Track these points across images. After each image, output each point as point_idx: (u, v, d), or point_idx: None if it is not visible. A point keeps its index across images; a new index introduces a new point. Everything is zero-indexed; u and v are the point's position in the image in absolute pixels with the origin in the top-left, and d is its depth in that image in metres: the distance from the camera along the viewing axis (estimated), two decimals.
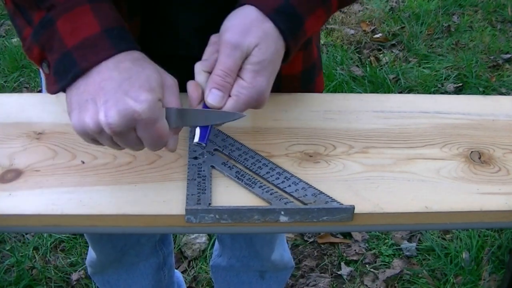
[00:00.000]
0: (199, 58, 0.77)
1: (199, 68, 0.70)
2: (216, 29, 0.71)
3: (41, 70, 0.69)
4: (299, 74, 0.92)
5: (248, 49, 0.67)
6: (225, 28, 0.68)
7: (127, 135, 0.64)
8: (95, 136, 0.64)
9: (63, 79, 0.64)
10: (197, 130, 0.68)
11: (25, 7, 0.67)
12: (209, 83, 0.68)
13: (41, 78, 1.01)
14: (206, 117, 0.67)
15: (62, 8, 0.64)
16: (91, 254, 1.23)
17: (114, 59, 0.63)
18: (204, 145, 0.68)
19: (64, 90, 0.66)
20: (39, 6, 0.65)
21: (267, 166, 0.77)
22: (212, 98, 0.67)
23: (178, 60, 0.85)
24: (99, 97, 0.62)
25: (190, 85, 0.69)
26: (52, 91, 0.66)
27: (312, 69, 0.95)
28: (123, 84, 0.62)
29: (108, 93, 0.62)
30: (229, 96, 0.68)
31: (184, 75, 0.72)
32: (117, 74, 0.62)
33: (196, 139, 0.68)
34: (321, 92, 0.99)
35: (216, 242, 1.39)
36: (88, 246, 1.74)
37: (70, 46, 0.63)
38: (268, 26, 0.68)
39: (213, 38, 0.71)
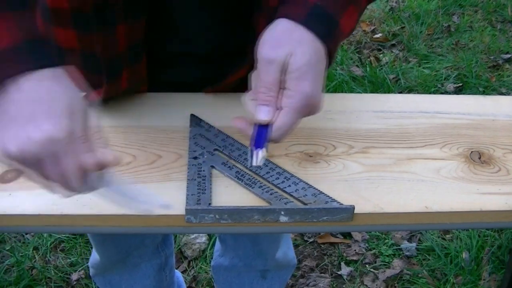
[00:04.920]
0: (205, 56, 0.77)
1: (247, 99, 0.70)
2: (222, 28, 0.71)
3: None
4: None
5: (283, 60, 0.67)
6: (259, 45, 0.68)
7: (33, 168, 0.59)
8: (16, 162, 0.59)
9: None
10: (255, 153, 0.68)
11: None
12: (257, 103, 0.68)
13: None
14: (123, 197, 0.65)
15: None
16: (95, 256, 1.23)
17: (23, 77, 0.58)
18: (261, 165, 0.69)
19: None
20: None
21: (267, 166, 0.77)
22: (261, 114, 0.67)
23: (184, 58, 0.85)
24: (6, 122, 0.57)
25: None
26: None
27: None
28: (27, 109, 0.57)
29: (11, 118, 0.57)
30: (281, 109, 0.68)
31: (190, 72, 0.71)
32: (24, 96, 0.57)
33: (256, 162, 0.68)
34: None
35: (217, 242, 1.39)
36: (89, 247, 1.75)
37: None
38: (299, 33, 0.68)
39: (253, 75, 0.71)
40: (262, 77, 0.67)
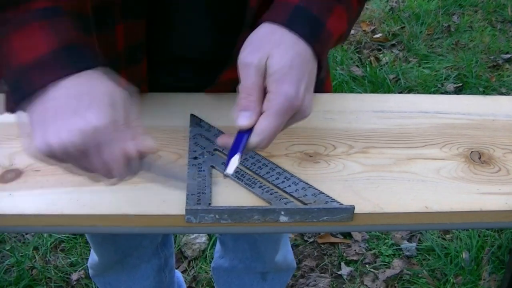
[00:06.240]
0: (208, 60, 0.76)
1: (235, 108, 0.68)
2: (225, 33, 0.70)
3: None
4: None
5: (261, 63, 0.65)
6: (240, 51, 0.67)
7: (79, 159, 0.60)
8: (52, 159, 0.60)
9: (14, 98, 0.61)
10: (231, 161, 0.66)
11: None
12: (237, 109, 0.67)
13: None
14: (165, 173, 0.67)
15: (14, 23, 0.61)
16: (93, 256, 1.23)
17: (65, 79, 0.59)
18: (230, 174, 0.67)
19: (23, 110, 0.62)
20: None
21: (267, 166, 0.77)
22: (240, 120, 0.65)
23: (187, 62, 0.85)
24: (48, 118, 0.58)
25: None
26: (9, 109, 0.63)
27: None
28: (71, 103, 0.58)
29: (56, 113, 0.58)
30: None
31: (192, 75, 0.71)
32: (64, 92, 0.59)
33: (229, 170, 0.66)
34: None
35: (217, 244, 1.39)
36: (89, 247, 1.75)
37: (17, 66, 0.60)
38: (279, 35, 0.67)
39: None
40: (242, 82, 0.66)
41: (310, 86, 0.67)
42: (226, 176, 0.66)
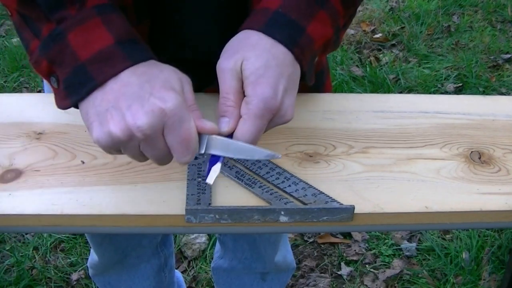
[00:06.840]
0: (208, 62, 0.77)
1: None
2: (225, 35, 0.71)
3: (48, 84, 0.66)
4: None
5: (236, 66, 0.65)
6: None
7: (156, 140, 0.60)
8: (122, 145, 0.61)
9: (76, 93, 0.62)
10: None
11: (32, 18, 0.65)
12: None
13: (42, 79, 1.00)
14: (237, 149, 0.64)
15: (74, 20, 0.62)
16: (93, 256, 1.23)
17: (130, 68, 0.61)
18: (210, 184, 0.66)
19: (76, 106, 0.64)
20: (49, 18, 0.63)
21: (267, 166, 0.77)
22: (220, 126, 0.65)
23: (186, 63, 0.85)
24: (121, 103, 0.59)
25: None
26: (63, 106, 0.64)
27: (321, 73, 0.94)
28: (144, 87, 0.60)
29: (130, 98, 0.59)
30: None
31: (192, 75, 0.71)
32: (135, 79, 0.60)
33: (211, 180, 0.65)
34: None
35: (217, 244, 1.39)
36: (89, 247, 1.75)
37: (84, 59, 0.61)
38: (255, 39, 0.67)
39: None
40: (220, 87, 0.66)
41: (291, 90, 0.67)
42: (207, 183, 0.66)
